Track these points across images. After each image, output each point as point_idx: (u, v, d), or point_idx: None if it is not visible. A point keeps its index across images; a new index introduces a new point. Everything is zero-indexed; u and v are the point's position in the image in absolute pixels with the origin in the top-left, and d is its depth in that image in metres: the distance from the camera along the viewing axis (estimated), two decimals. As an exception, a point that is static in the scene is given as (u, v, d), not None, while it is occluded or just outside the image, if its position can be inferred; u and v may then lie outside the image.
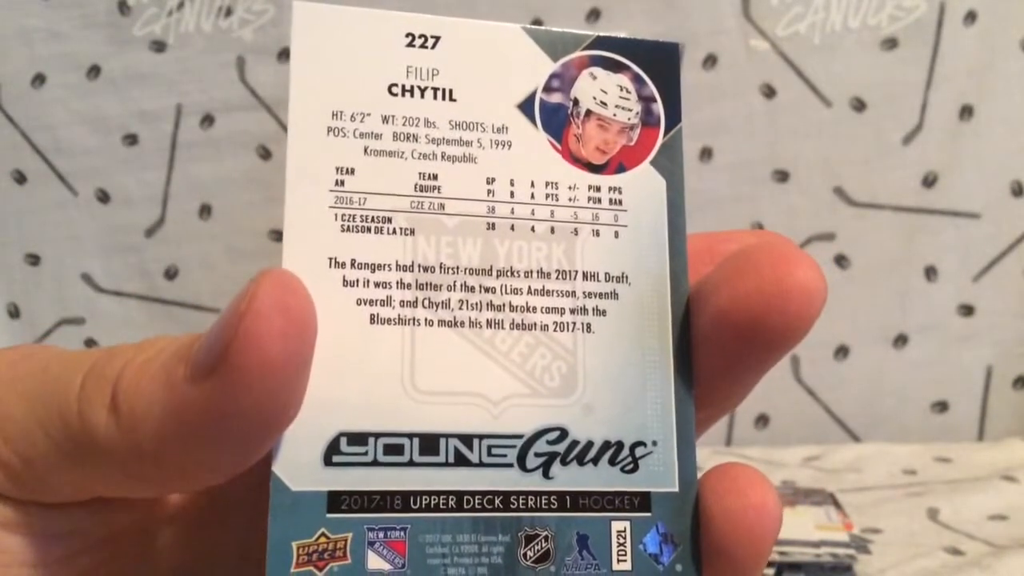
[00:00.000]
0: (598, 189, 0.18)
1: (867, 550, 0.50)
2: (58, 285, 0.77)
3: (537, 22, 0.73)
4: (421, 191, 0.18)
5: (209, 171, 0.75)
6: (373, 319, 0.17)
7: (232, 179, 0.75)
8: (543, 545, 0.17)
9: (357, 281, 0.17)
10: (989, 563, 0.48)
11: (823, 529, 0.51)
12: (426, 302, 0.17)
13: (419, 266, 0.17)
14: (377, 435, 0.17)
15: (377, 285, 0.17)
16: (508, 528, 0.17)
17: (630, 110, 0.19)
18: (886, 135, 0.71)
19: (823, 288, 0.16)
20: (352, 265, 0.17)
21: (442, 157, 0.18)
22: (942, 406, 0.73)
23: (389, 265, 0.17)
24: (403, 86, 0.18)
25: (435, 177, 0.18)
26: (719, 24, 0.71)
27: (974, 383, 0.72)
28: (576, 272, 0.18)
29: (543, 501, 0.17)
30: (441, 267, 0.18)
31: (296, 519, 0.16)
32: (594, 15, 0.72)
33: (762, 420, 0.73)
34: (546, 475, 0.17)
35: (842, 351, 0.73)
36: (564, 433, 0.17)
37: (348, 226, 0.17)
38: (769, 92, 0.72)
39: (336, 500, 0.16)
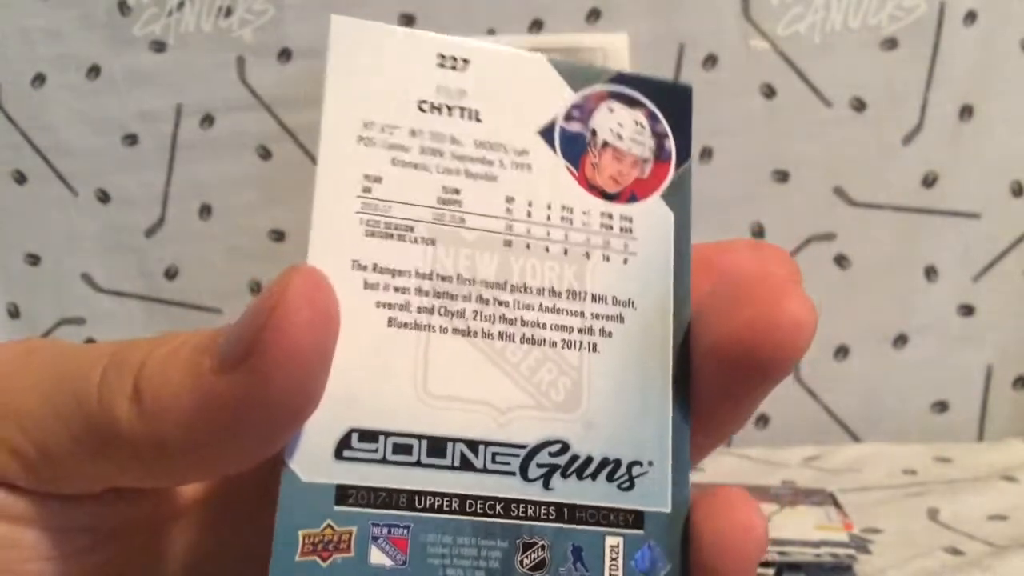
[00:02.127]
0: (610, 216, 0.19)
1: (867, 550, 0.50)
2: (58, 285, 0.77)
3: (537, 22, 0.73)
4: (443, 204, 0.18)
5: (209, 171, 0.75)
6: (391, 322, 0.17)
7: (232, 179, 0.75)
8: (539, 554, 0.17)
9: (378, 284, 0.18)
10: (989, 563, 0.48)
11: (823, 529, 0.51)
12: (442, 310, 0.18)
13: (437, 275, 0.18)
14: (387, 434, 0.17)
15: (397, 290, 0.18)
16: (507, 534, 0.17)
17: (644, 144, 0.19)
18: (886, 135, 0.71)
19: (813, 321, 0.17)
20: (374, 269, 0.18)
21: (465, 174, 0.19)
22: (942, 406, 0.73)
23: (409, 272, 0.18)
24: (432, 103, 0.19)
25: (457, 192, 0.18)
26: (719, 24, 0.71)
27: (974, 383, 0.72)
28: (585, 293, 0.19)
29: (542, 511, 0.17)
30: (458, 278, 0.18)
31: (304, 509, 0.16)
32: (594, 15, 0.72)
33: (762, 420, 0.73)
34: (546, 486, 0.18)
35: (842, 351, 0.73)
36: (566, 447, 0.18)
37: (372, 231, 0.18)
38: (769, 92, 0.72)
39: (344, 493, 0.16)
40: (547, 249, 0.19)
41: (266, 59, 0.74)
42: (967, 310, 0.72)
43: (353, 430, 0.17)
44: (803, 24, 0.71)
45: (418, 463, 0.17)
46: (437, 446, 0.17)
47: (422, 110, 0.19)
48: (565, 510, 0.18)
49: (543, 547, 0.17)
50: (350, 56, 0.18)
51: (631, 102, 0.20)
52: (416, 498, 0.17)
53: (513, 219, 0.19)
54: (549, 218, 0.19)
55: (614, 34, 0.71)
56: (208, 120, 0.75)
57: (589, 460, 0.18)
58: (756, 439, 0.73)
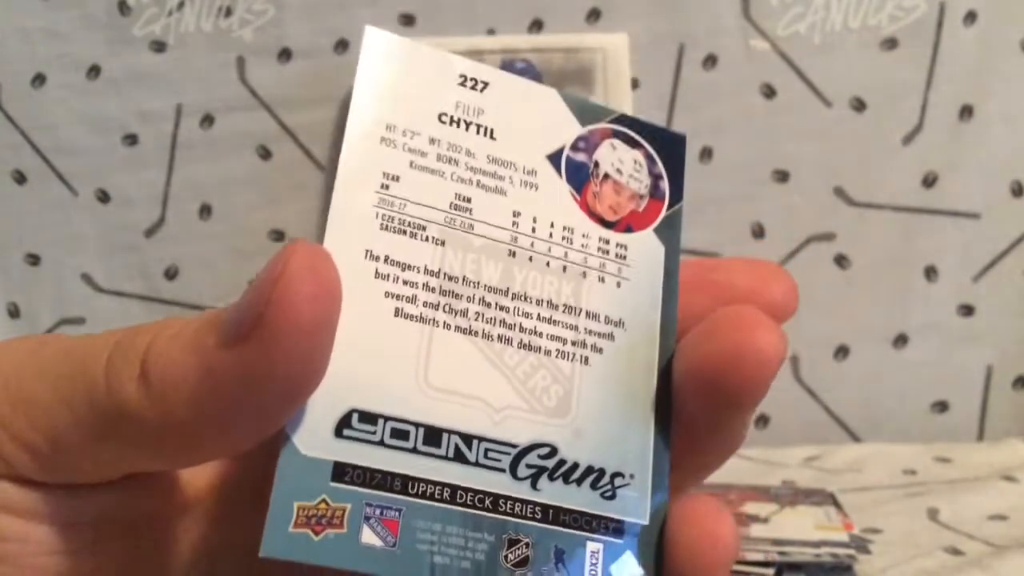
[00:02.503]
0: (607, 242, 0.20)
1: (867, 550, 0.50)
2: (58, 285, 0.77)
3: (537, 22, 0.73)
4: (455, 209, 0.19)
5: (209, 171, 0.75)
6: (397, 312, 0.18)
7: (232, 179, 0.75)
8: (523, 551, 0.18)
9: (388, 276, 0.18)
10: (989, 563, 0.48)
11: (823, 529, 0.51)
12: (447, 308, 0.19)
13: (445, 274, 0.19)
14: (387, 418, 0.17)
15: (405, 283, 0.18)
16: (494, 529, 0.18)
17: (641, 182, 0.21)
18: (886, 135, 0.71)
19: (780, 355, 0.18)
20: (385, 260, 0.18)
21: (477, 184, 0.20)
22: (942, 406, 0.73)
23: (418, 268, 0.19)
24: (451, 117, 0.20)
25: (469, 200, 0.19)
26: (719, 24, 0.71)
27: (974, 383, 0.72)
28: (581, 309, 0.20)
29: (528, 510, 0.18)
30: (464, 280, 0.19)
31: (301, 481, 0.17)
32: (594, 15, 0.72)
33: (762, 420, 0.73)
34: (534, 486, 0.18)
35: (842, 351, 0.73)
36: (554, 450, 0.19)
37: (387, 225, 0.19)
38: (769, 92, 0.72)
39: (341, 471, 0.17)
40: (548, 264, 0.20)
41: (266, 59, 0.74)
42: (967, 310, 0.72)
43: (354, 410, 0.17)
44: (803, 24, 0.71)
45: (414, 450, 0.18)
46: (433, 435, 0.18)
47: (442, 121, 0.20)
48: (550, 511, 0.18)
49: (527, 545, 0.18)
50: (379, 64, 0.19)
51: (632, 142, 0.21)
52: (410, 483, 0.17)
53: (518, 232, 0.20)
54: (551, 236, 0.20)
55: (614, 34, 0.71)
56: (208, 120, 0.75)
57: (576, 466, 0.19)
58: (756, 439, 0.73)
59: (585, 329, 0.20)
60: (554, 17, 0.73)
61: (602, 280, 0.20)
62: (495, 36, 0.72)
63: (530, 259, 0.20)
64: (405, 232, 0.19)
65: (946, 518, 0.55)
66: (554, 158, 0.20)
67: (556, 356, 0.19)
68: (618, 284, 0.20)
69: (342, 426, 0.17)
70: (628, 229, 0.21)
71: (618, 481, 0.19)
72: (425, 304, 0.18)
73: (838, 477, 0.63)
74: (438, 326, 0.18)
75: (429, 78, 0.20)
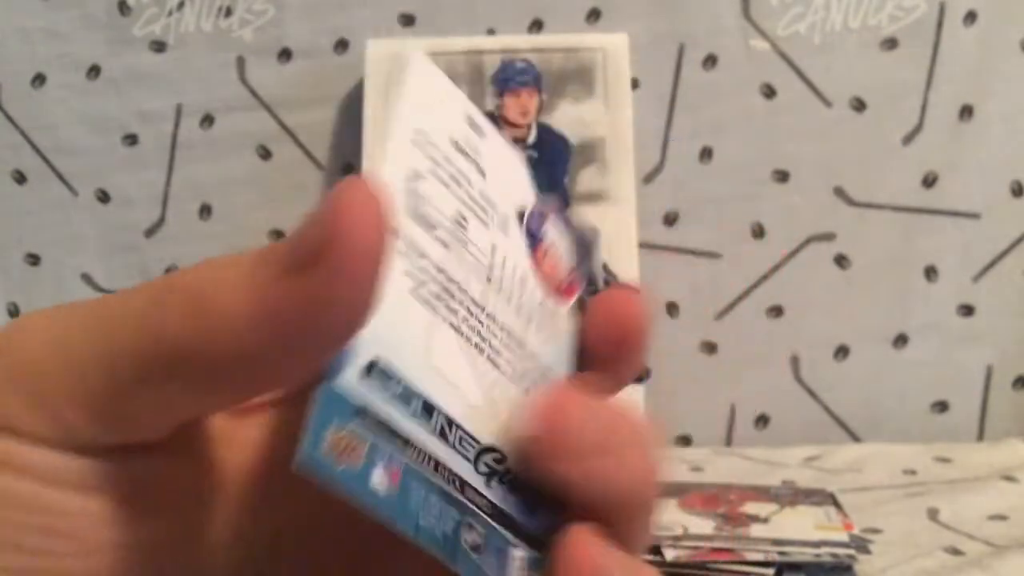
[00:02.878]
0: (545, 301, 0.23)
1: (867, 550, 0.50)
2: (58, 285, 0.77)
3: (537, 22, 0.73)
4: (457, 224, 0.21)
5: (209, 171, 0.75)
6: (412, 291, 0.19)
7: (232, 179, 0.75)
8: (476, 539, 0.19)
9: (408, 256, 0.19)
10: (989, 563, 0.48)
11: (823, 529, 0.52)
12: (446, 304, 0.20)
13: (447, 275, 0.20)
14: (399, 379, 0.18)
15: (420, 269, 0.19)
16: (460, 510, 0.19)
17: (568, 263, 0.24)
18: (886, 135, 0.71)
19: (648, 313, 0.22)
20: (407, 243, 0.19)
21: (471, 210, 0.22)
22: (942, 406, 0.73)
23: (430, 259, 0.20)
24: (460, 146, 0.22)
25: (466, 220, 0.21)
26: (719, 24, 0.71)
27: (974, 383, 0.72)
28: (526, 347, 0.22)
29: (483, 503, 0.19)
30: (459, 286, 0.20)
31: (333, 411, 0.17)
32: (594, 15, 0.72)
33: (762, 420, 0.73)
34: (487, 484, 0.20)
35: (842, 351, 0.73)
36: (503, 458, 0.20)
37: (411, 214, 0.20)
38: (769, 92, 0.72)
39: (363, 413, 0.18)
40: (509, 300, 0.22)
41: (266, 59, 0.74)
42: (967, 310, 0.72)
43: (379, 359, 0.18)
44: (803, 24, 0.71)
45: (414, 415, 0.18)
46: (428, 409, 0.19)
47: (453, 146, 0.22)
48: (496, 511, 0.19)
49: (480, 533, 0.19)
50: (419, 85, 0.22)
51: (566, 227, 0.24)
52: (408, 446, 0.18)
53: (493, 263, 0.21)
54: (513, 277, 0.22)
55: (614, 34, 0.71)
56: (208, 120, 0.75)
57: (516, 478, 0.20)
58: (756, 439, 0.73)
59: (528, 365, 0.22)
60: (554, 17, 0.73)
61: (540, 331, 0.22)
62: (495, 36, 0.72)
63: (500, 289, 0.21)
64: (423, 225, 0.20)
65: (946, 518, 0.55)
66: (520, 215, 0.23)
67: (509, 379, 0.21)
68: (547, 339, 0.22)
69: (368, 370, 0.18)
70: (557, 296, 0.23)
71: (539, 500, 0.20)
72: (431, 293, 0.20)
73: (838, 477, 0.63)
74: (439, 315, 0.20)
75: (450, 108, 0.22)
